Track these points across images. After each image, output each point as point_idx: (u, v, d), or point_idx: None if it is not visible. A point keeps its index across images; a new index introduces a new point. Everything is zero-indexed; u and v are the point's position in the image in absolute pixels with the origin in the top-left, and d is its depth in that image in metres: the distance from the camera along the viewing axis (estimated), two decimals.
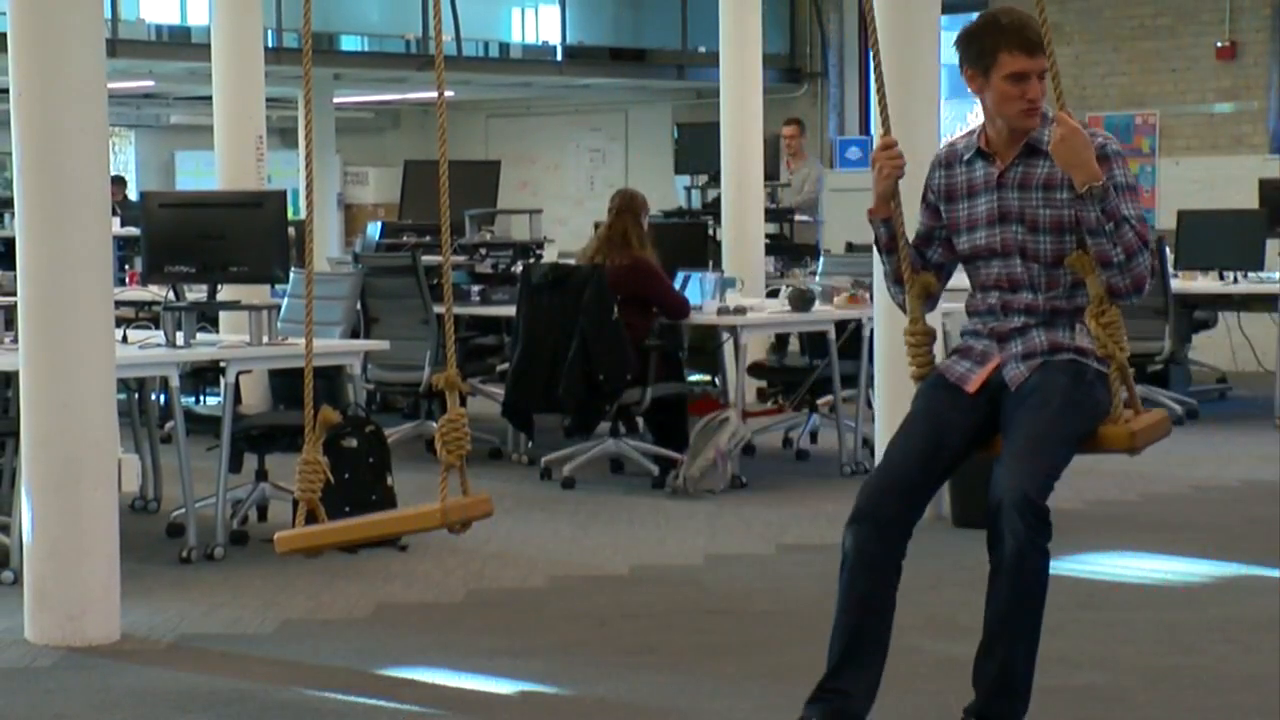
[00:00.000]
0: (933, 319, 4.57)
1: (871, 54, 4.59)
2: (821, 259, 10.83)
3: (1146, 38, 14.79)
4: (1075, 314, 4.24)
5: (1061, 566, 6.63)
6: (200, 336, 7.30)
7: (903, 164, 4.33)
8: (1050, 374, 4.22)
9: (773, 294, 10.70)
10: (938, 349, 4.48)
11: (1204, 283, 10.99)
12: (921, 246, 4.44)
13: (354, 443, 7.02)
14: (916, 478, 4.22)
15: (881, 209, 4.38)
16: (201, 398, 9.93)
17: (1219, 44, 14.39)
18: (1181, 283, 10.82)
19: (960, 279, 4.51)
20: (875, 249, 4.48)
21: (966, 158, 4.35)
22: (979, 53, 4.24)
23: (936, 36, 7.58)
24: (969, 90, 4.33)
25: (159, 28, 14.73)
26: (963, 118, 16.85)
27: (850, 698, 4.19)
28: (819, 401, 9.44)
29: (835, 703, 4.20)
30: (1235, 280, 10.88)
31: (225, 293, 7.60)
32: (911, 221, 4.43)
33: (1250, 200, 12.32)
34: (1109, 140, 4.23)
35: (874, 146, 4.42)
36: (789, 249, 12.80)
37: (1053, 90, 4.22)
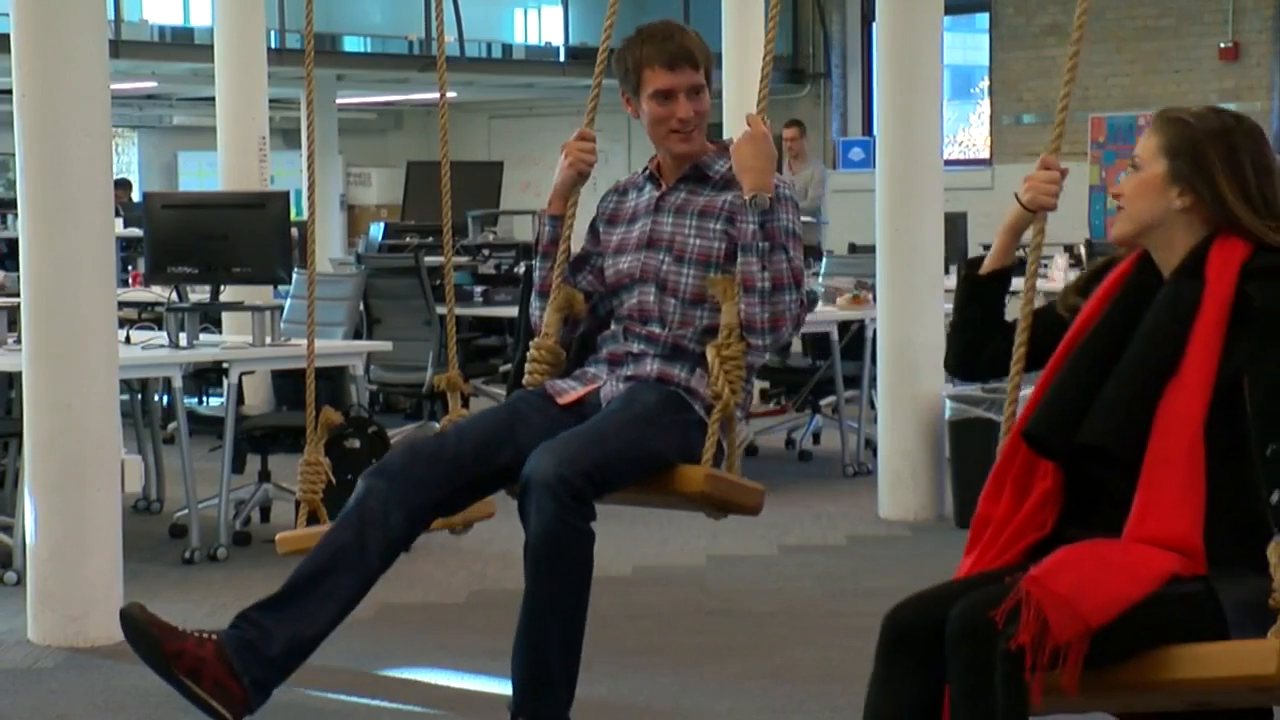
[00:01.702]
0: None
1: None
2: (824, 260, 10.84)
3: (1149, 38, 14.80)
4: (699, 359, 3.92)
5: None
6: (203, 337, 7.30)
7: (593, 159, 4.10)
8: (643, 390, 3.91)
9: None
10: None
11: None
12: (574, 269, 4.14)
13: (357, 444, 7.02)
14: (465, 459, 3.82)
15: (556, 204, 4.12)
16: (204, 399, 9.94)
17: (1221, 45, 14.40)
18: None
19: None
20: (532, 249, 4.16)
21: (639, 183, 4.16)
22: (624, 72, 4.01)
23: (939, 36, 7.59)
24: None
25: (162, 29, 14.76)
26: (965, 119, 16.85)
27: (268, 636, 3.79)
28: (821, 402, 9.45)
29: (250, 635, 3.80)
30: None
31: (228, 293, 7.60)
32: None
33: None
34: (783, 184, 3.99)
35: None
36: None
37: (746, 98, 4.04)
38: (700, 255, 3.98)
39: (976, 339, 3.27)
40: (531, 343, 4.11)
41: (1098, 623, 2.71)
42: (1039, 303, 3.25)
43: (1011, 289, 3.31)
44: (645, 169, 4.17)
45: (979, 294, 3.28)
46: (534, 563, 3.74)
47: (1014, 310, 3.20)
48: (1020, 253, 3.34)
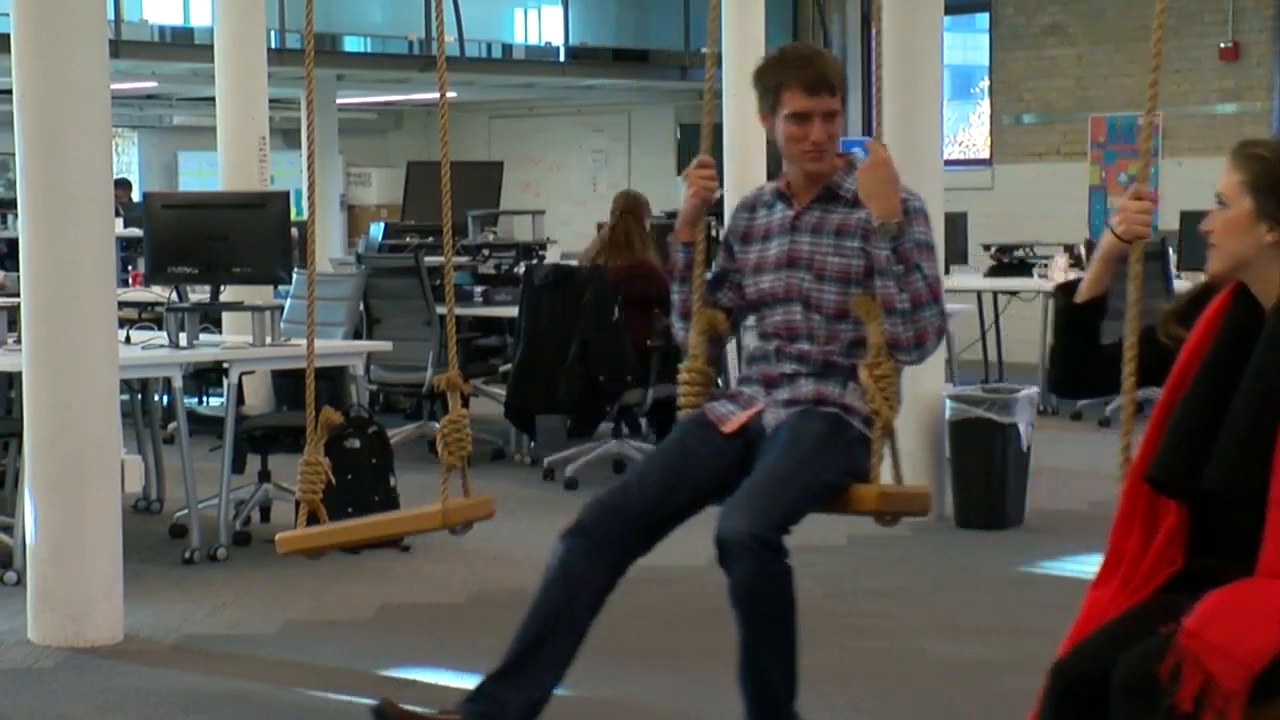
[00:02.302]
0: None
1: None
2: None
3: (1149, 38, 14.76)
4: (850, 373, 4.04)
5: (1063, 567, 6.65)
6: (203, 337, 7.31)
7: (715, 186, 4.19)
8: (808, 420, 4.02)
9: None
10: None
11: None
12: (714, 286, 4.26)
13: (356, 444, 7.02)
14: (650, 506, 4.02)
15: (685, 232, 4.22)
16: (204, 399, 9.94)
17: (1222, 45, 14.39)
18: (1184, 284, 10.82)
19: None
20: (669, 276, 4.30)
21: (768, 200, 4.22)
22: (763, 91, 4.10)
23: (939, 38, 7.59)
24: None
25: (162, 29, 14.75)
26: (965, 119, 16.85)
27: (505, 708, 3.99)
28: None
29: (487, 707, 4.00)
30: None
31: (228, 293, 7.60)
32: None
33: None
34: (913, 197, 4.09)
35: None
36: None
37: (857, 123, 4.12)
38: (840, 273, 4.07)
39: (1079, 363, 3.39)
40: (681, 366, 4.25)
41: (1257, 668, 2.83)
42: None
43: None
44: (773, 186, 4.24)
45: (1078, 321, 3.37)
46: (741, 610, 3.92)
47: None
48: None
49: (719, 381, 9.67)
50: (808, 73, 4.01)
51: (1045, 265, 12.08)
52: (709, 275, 4.27)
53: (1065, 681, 3.05)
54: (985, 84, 15.91)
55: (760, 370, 4.16)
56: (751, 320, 4.28)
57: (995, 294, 12.08)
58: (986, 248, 12.27)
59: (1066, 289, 3.41)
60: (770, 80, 4.08)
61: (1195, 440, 3.06)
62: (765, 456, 4.00)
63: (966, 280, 11.92)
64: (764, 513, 3.85)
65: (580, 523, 4.02)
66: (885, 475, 4.05)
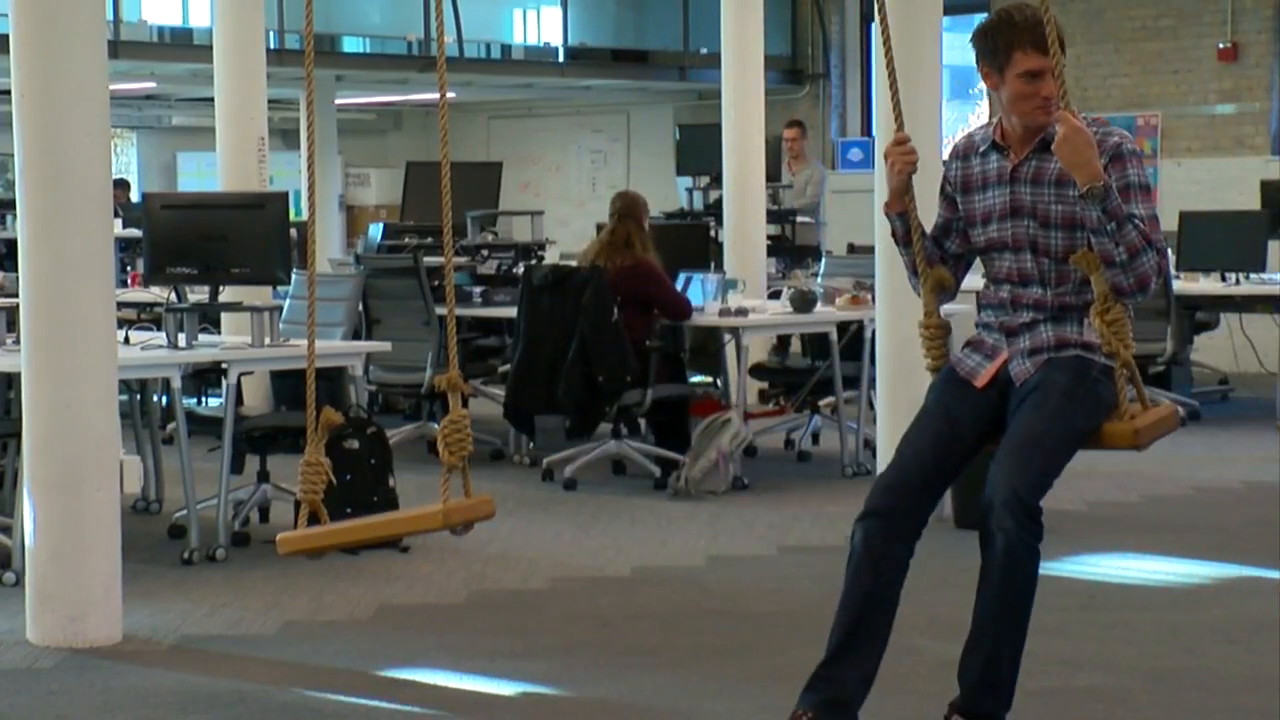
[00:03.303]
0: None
1: (883, 50, 4.56)
2: (823, 260, 10.83)
3: (1148, 39, 14.79)
4: (1084, 309, 4.23)
5: (1063, 567, 6.65)
6: (202, 338, 7.30)
7: (915, 159, 4.35)
8: (1053, 371, 4.22)
9: (774, 295, 10.70)
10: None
11: (1206, 284, 10.99)
12: (940, 237, 4.46)
13: (356, 444, 7.02)
14: (929, 474, 4.24)
15: (896, 204, 4.40)
16: (203, 399, 9.93)
17: (1220, 45, 14.39)
18: (1183, 284, 10.82)
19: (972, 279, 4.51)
20: (893, 241, 4.49)
21: (982, 150, 4.37)
22: (993, 50, 4.24)
23: (939, 37, 7.58)
24: (985, 86, 4.34)
25: (161, 29, 14.74)
26: (964, 119, 16.85)
27: (844, 686, 4.21)
28: (821, 403, 9.44)
29: (828, 691, 4.22)
30: (1237, 282, 10.88)
31: (227, 294, 7.59)
32: (929, 214, 4.43)
33: (1252, 202, 12.33)
34: (1124, 139, 4.22)
35: (885, 142, 4.41)
36: (790, 250, 12.81)
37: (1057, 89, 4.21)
38: (1064, 219, 4.22)
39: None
40: (919, 323, 4.44)
41: None
42: None
43: None
44: (984, 134, 4.38)
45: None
46: (996, 578, 4.12)
47: None
48: None
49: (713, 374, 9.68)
50: (1039, 33, 4.16)
51: None
52: (933, 228, 4.44)
53: None
54: (983, 85, 15.93)
55: (999, 318, 4.33)
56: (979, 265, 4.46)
57: None
58: None
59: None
60: (1000, 40, 4.22)
61: None
62: (1019, 415, 4.20)
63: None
64: (1026, 475, 4.09)
65: (870, 507, 4.21)
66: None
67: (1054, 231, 4.24)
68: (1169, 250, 10.41)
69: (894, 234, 4.45)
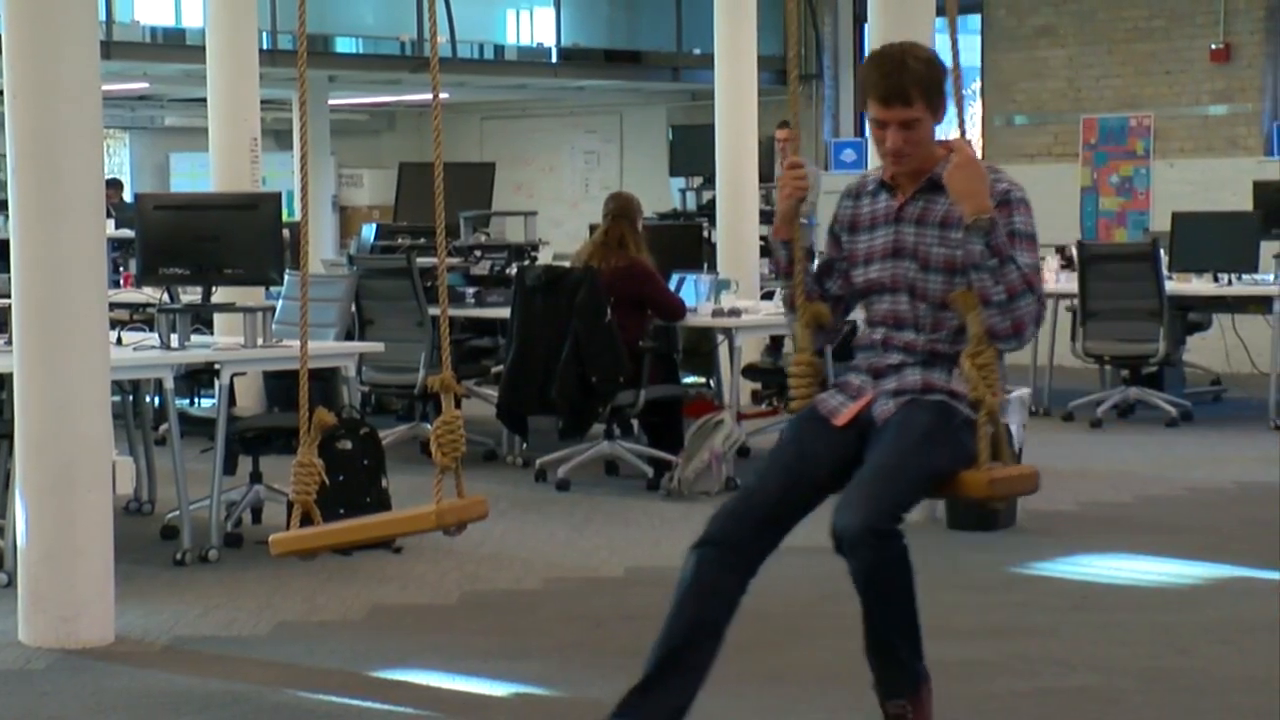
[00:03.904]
0: None
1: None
2: (816, 261, 10.82)
3: (1140, 40, 14.80)
4: (954, 360, 4.12)
5: (1055, 568, 6.66)
6: (195, 339, 7.29)
7: (807, 185, 4.26)
8: (917, 411, 4.12)
9: (767, 296, 10.70)
10: None
11: (1198, 285, 11.01)
12: (822, 276, 4.35)
13: (349, 445, 7.02)
14: (774, 508, 4.11)
15: (783, 230, 4.28)
16: (196, 400, 9.92)
17: (1213, 46, 14.41)
18: (1176, 285, 10.83)
19: None
20: (774, 272, 4.39)
21: (871, 189, 4.28)
22: (859, 90, 4.21)
23: (931, 37, 7.59)
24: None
25: (154, 29, 14.73)
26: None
27: (651, 717, 4.07)
28: None
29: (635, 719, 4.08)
30: (1230, 282, 10.90)
31: (220, 295, 7.59)
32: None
33: (1244, 202, 12.34)
34: (1014, 187, 4.14)
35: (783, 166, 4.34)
36: None
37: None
38: (945, 263, 4.13)
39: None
40: (791, 360, 4.32)
41: None
42: None
43: None
44: (877, 175, 4.29)
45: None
46: (863, 595, 4.05)
47: None
48: None
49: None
50: (884, 85, 4.08)
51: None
52: (815, 266, 4.36)
53: None
54: (977, 85, 15.93)
55: (867, 360, 4.26)
56: (858, 309, 4.38)
57: None
58: None
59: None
60: (860, 80, 4.18)
61: None
62: (875, 448, 4.09)
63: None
64: (876, 505, 3.96)
65: (709, 534, 4.09)
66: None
67: (933, 275, 4.14)
68: (1161, 250, 10.42)
69: (776, 264, 4.34)
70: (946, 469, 4.09)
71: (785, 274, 4.32)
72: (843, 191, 4.37)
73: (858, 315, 4.42)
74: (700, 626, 4.07)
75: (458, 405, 4.49)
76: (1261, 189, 12.18)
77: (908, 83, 4.08)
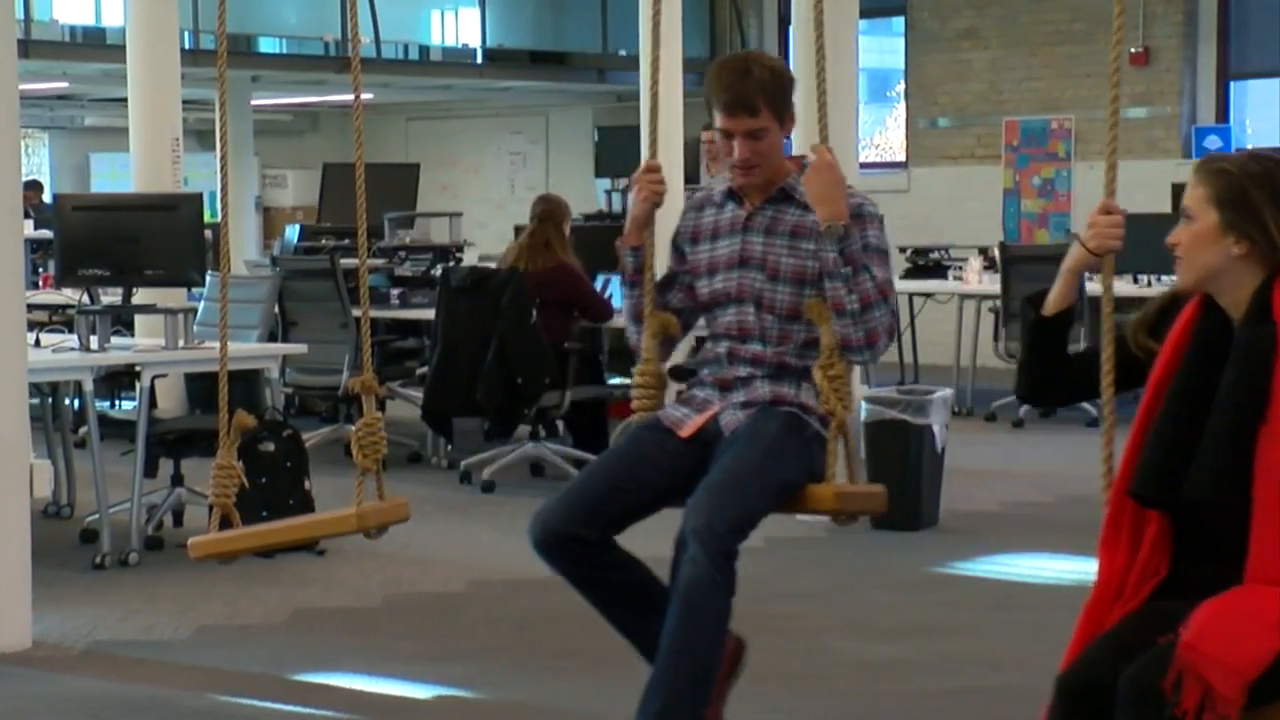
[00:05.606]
0: None
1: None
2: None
3: (1062, 43, 14.93)
4: (804, 374, 4.04)
5: (977, 568, 6.71)
6: (115, 340, 7.23)
7: (664, 189, 4.18)
8: (767, 420, 4.01)
9: None
10: None
11: (1118, 286, 10.95)
12: (664, 289, 4.23)
13: (271, 447, 6.97)
14: (597, 504, 3.96)
15: (634, 236, 4.19)
16: (116, 402, 9.82)
17: (1133, 50, 14.56)
18: (1095, 285, 10.92)
19: None
20: (620, 280, 4.29)
21: (718, 200, 4.20)
22: (707, 101, 4.10)
23: (854, 41, 7.63)
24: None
25: (73, 28, 14.57)
26: (881, 122, 16.96)
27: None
28: None
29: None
30: (1149, 284, 11.02)
31: (140, 296, 7.52)
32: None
33: (1163, 204, 12.47)
34: (866, 202, 4.10)
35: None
36: None
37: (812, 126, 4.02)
38: (794, 274, 4.05)
39: (1047, 373, 3.53)
40: (634, 370, 4.22)
41: (1253, 676, 2.97)
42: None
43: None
44: (724, 186, 4.21)
45: (1046, 333, 3.54)
46: (679, 612, 3.85)
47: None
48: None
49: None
50: (728, 95, 4.02)
51: (960, 267, 12.18)
52: (659, 278, 4.24)
53: (1071, 693, 3.19)
54: (901, 87, 16.02)
55: (713, 374, 4.14)
56: (702, 321, 4.26)
57: (910, 296, 12.15)
58: (902, 250, 12.34)
59: (1034, 302, 3.52)
60: (708, 90, 4.10)
61: (1175, 453, 3.17)
62: (725, 455, 3.98)
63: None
64: (723, 511, 3.85)
65: (537, 541, 4.00)
66: (841, 475, 4.06)
67: (781, 286, 4.05)
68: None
69: (623, 271, 4.24)
70: (796, 480, 3.99)
71: (632, 282, 4.22)
72: (687, 205, 4.30)
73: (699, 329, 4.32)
74: (623, 604, 4.07)
75: (380, 407, 4.47)
76: (1180, 191, 12.29)
77: (753, 92, 4.01)
